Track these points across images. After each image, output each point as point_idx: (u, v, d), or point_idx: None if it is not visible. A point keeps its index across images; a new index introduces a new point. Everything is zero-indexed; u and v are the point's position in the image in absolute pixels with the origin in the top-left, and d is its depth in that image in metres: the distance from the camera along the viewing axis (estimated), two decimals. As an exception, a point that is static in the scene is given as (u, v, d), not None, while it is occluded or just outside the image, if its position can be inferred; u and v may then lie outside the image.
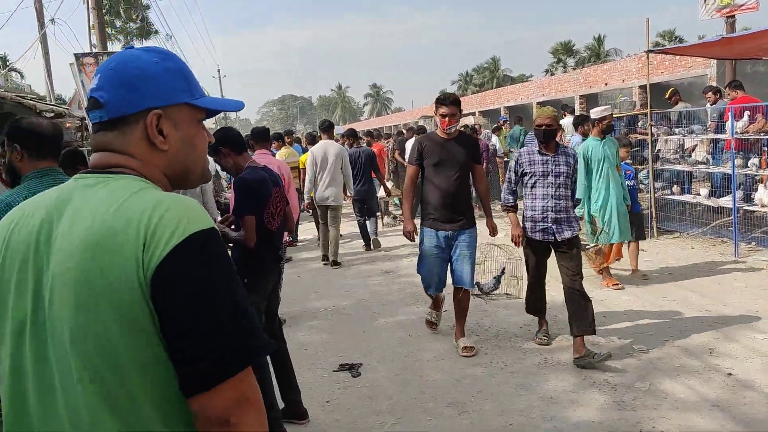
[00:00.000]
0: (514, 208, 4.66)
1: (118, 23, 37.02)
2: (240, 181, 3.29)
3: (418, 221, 4.80)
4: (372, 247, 8.93)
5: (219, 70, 54.90)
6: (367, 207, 8.88)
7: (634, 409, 3.56)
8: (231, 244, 3.35)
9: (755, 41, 7.06)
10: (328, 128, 8.27)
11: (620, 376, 3.97)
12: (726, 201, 7.57)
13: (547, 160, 4.42)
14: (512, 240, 4.65)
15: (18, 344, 1.03)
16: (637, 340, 4.57)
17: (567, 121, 14.10)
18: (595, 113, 6.09)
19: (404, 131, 16.44)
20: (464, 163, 4.60)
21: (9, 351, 1.05)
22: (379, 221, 10.41)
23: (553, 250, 4.52)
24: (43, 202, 1.10)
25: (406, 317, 5.52)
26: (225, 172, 5.00)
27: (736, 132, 7.23)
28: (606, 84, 21.17)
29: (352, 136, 9.88)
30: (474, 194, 5.52)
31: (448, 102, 4.51)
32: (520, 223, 4.59)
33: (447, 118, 4.50)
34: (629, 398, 3.68)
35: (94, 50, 15.16)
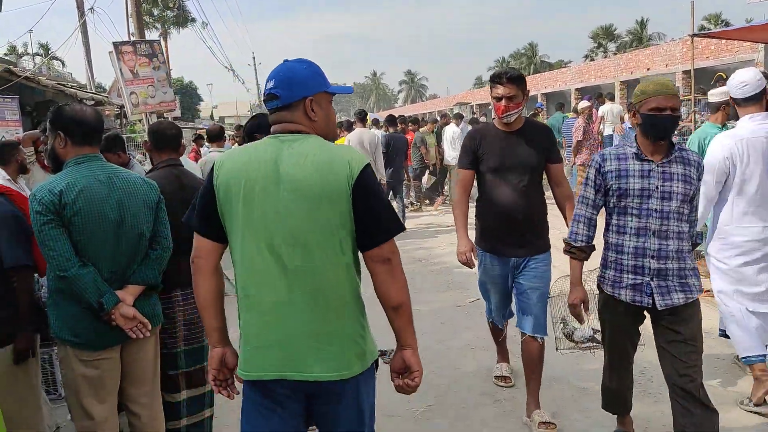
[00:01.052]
0: (584, 252, 2.87)
1: (155, 11, 37.63)
2: None
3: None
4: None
5: (254, 58, 55.52)
6: (394, 191, 9.55)
7: None
8: None
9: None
10: (362, 117, 8.93)
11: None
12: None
13: (650, 171, 2.65)
14: (571, 309, 2.95)
15: (256, 233, 1.82)
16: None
17: (606, 108, 13.79)
18: (717, 95, 4.24)
19: (438, 118, 16.39)
20: (536, 164, 3.31)
21: (245, 236, 1.84)
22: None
23: (650, 321, 2.80)
24: (259, 150, 1.88)
25: (439, 305, 5.52)
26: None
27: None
28: (648, 69, 20.59)
29: (390, 122, 10.76)
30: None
31: (505, 79, 3.20)
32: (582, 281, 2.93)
33: (503, 102, 3.20)
34: None
35: (132, 38, 15.43)
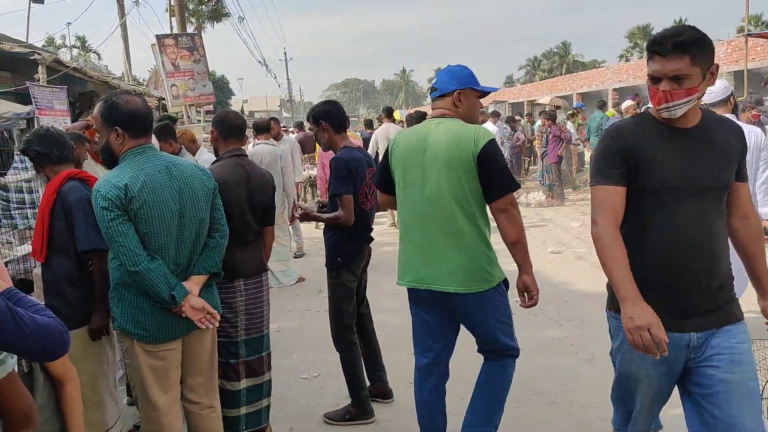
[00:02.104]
0: None
1: (191, 6, 38.00)
2: (338, 160, 3.26)
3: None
4: None
5: (285, 53, 55.90)
6: None
7: None
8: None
9: None
10: (389, 113, 9.77)
11: None
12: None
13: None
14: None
15: (419, 189, 2.59)
16: None
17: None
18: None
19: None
20: (728, 181, 2.07)
21: (406, 192, 2.68)
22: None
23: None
24: (415, 130, 2.71)
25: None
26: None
27: None
28: (689, 70, 20.02)
29: (422, 118, 10.26)
30: None
31: (668, 48, 1.91)
32: None
33: (662, 86, 1.94)
34: None
35: (174, 31, 15.62)
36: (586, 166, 14.65)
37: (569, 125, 13.65)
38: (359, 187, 3.31)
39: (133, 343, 2.45)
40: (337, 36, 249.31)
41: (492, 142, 2.53)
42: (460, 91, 2.65)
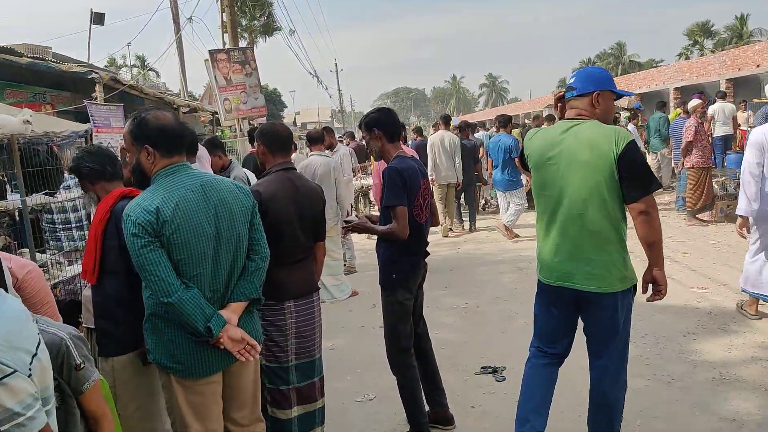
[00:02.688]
0: None
1: (244, 21, 38.89)
2: (391, 170, 3.07)
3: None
4: (464, 228, 10.01)
5: (336, 64, 56.42)
6: (465, 194, 10.08)
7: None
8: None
9: None
10: (446, 120, 9.68)
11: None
12: None
13: None
14: None
15: (557, 187, 2.66)
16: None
17: (717, 107, 12.75)
18: None
19: (527, 121, 15.86)
20: None
21: (543, 190, 2.73)
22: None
23: None
24: (551, 130, 2.72)
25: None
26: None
27: None
28: (758, 66, 19.00)
29: (465, 128, 10.82)
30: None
31: None
32: None
33: None
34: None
35: (226, 47, 15.87)
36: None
37: (630, 127, 13.05)
38: (413, 198, 3.10)
39: (169, 378, 2.29)
40: (386, 45, 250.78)
41: (632, 143, 2.56)
42: (599, 93, 2.68)
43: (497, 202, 12.30)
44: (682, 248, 7.48)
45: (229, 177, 5.05)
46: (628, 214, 2.63)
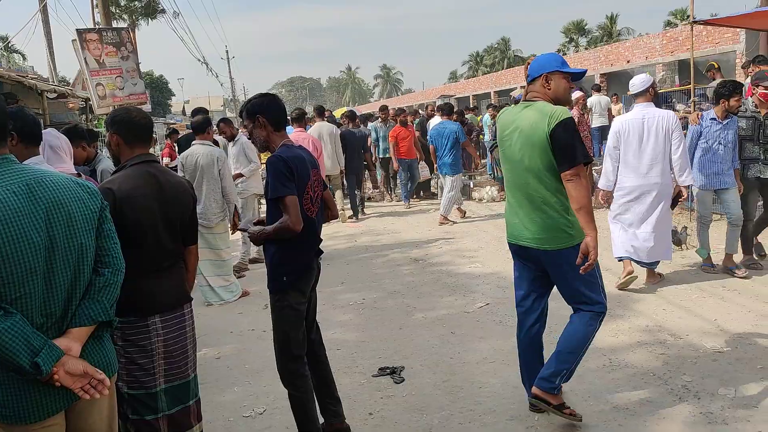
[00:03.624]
0: None
1: (122, 1, 36.28)
2: (275, 159, 2.77)
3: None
4: (356, 217, 10.17)
5: (227, 52, 54.30)
6: (348, 182, 10.27)
7: (726, 422, 3.07)
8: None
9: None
10: (320, 112, 9.96)
11: (700, 381, 3.47)
12: None
13: None
14: None
15: (513, 160, 3.04)
16: (707, 337, 4.06)
17: (594, 100, 13.45)
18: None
19: (420, 111, 15.94)
20: None
21: (505, 163, 3.13)
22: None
23: None
24: (510, 111, 3.13)
25: (445, 311, 5.03)
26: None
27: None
28: (628, 61, 20.39)
29: (353, 117, 11.41)
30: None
31: None
32: None
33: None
34: (716, 408, 3.19)
35: (98, 27, 14.57)
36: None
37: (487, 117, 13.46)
38: (303, 190, 2.82)
39: None
40: (280, 34, 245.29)
41: (563, 122, 2.85)
42: (547, 75, 3.00)
43: (381, 191, 12.48)
44: (568, 235, 7.74)
45: (95, 171, 4.49)
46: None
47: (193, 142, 5.87)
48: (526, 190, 3.01)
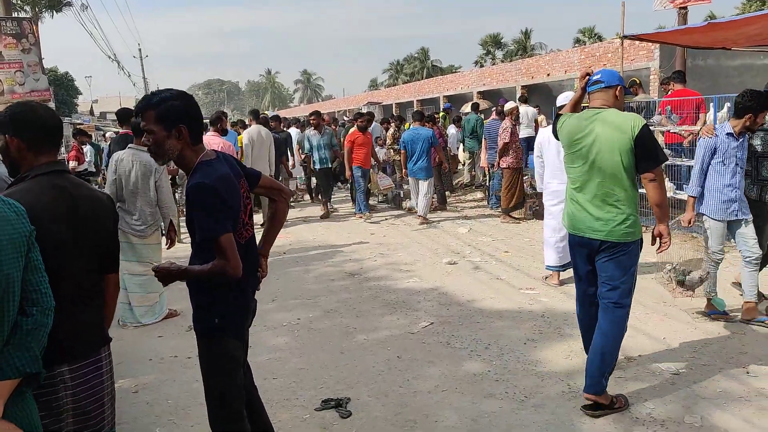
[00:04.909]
0: None
1: (25, -8, 33.75)
2: (199, 189, 2.20)
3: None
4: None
5: (140, 50, 51.71)
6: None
7: (694, 453, 2.94)
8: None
9: (740, 28, 6.69)
10: (256, 115, 10.18)
11: (663, 407, 3.34)
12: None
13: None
14: None
15: (585, 160, 3.33)
16: (661, 358, 3.98)
17: (522, 111, 13.62)
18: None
19: (345, 119, 15.72)
20: None
21: (573, 161, 3.43)
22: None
23: None
24: (582, 115, 3.40)
25: (388, 332, 4.71)
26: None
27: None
28: (548, 75, 21.04)
29: (276, 120, 11.64)
30: None
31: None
32: None
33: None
34: (682, 437, 3.06)
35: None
36: (460, 168, 14.55)
37: (452, 129, 13.44)
38: (237, 214, 2.33)
39: None
40: (197, 35, 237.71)
41: (645, 127, 3.20)
42: (620, 87, 3.36)
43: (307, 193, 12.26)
44: (503, 247, 7.65)
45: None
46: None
47: (129, 146, 5.16)
48: (601, 188, 3.30)
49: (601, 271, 3.37)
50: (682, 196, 7.52)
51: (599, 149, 3.25)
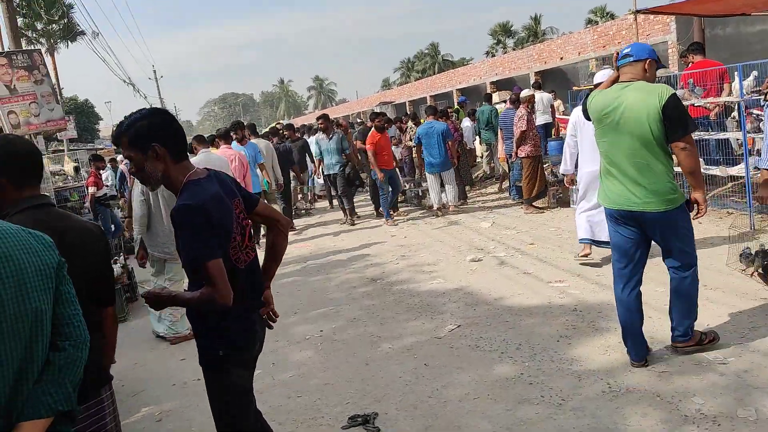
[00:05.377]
0: None
1: (39, 25, 34.42)
2: (186, 209, 2.06)
3: None
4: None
5: (155, 71, 52.41)
6: (283, 194, 10.16)
7: (752, 450, 2.70)
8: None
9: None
10: (253, 129, 9.90)
11: (714, 401, 3.10)
12: (738, 169, 6.85)
13: None
14: None
15: (615, 134, 3.40)
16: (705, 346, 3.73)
17: (537, 98, 13.31)
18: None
19: (361, 120, 15.56)
20: None
21: (604, 137, 3.51)
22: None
23: None
24: (611, 90, 3.45)
25: (413, 339, 4.53)
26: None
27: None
28: (561, 58, 20.63)
29: (273, 134, 11.68)
30: None
31: None
32: None
33: None
34: (737, 434, 2.82)
35: (6, 49, 13.44)
36: (478, 161, 14.28)
37: (466, 122, 13.20)
38: (229, 237, 2.17)
39: None
40: (208, 52, 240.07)
41: (673, 95, 3.24)
42: (650, 60, 3.39)
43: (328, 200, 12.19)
44: (528, 239, 7.41)
45: None
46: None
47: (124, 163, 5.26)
48: (633, 158, 3.35)
49: (658, 242, 3.50)
50: (714, 171, 7.21)
51: (628, 120, 3.31)
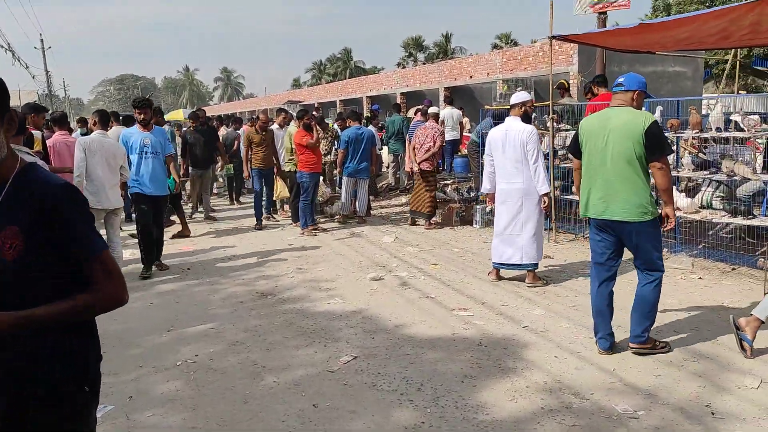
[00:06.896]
0: None
1: None
2: (73, 189, 1.62)
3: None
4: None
5: (42, 41, 48.03)
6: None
7: None
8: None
9: (671, 30, 6.45)
10: (158, 112, 8.95)
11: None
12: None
13: None
14: None
15: (602, 153, 3.96)
16: (614, 396, 3.49)
17: (446, 113, 13.22)
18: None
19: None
20: None
21: (591, 155, 4.02)
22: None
23: None
24: (601, 114, 4.05)
25: (303, 371, 3.98)
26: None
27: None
28: (471, 77, 20.89)
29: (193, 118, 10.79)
30: None
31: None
32: None
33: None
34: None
35: None
36: (384, 170, 13.99)
37: (371, 128, 12.78)
38: None
39: None
40: (109, 29, 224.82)
41: (654, 122, 3.81)
42: (639, 92, 3.95)
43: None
44: (431, 258, 7.11)
45: None
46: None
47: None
48: (618, 174, 3.84)
49: (631, 249, 3.96)
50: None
51: (615, 139, 3.83)
